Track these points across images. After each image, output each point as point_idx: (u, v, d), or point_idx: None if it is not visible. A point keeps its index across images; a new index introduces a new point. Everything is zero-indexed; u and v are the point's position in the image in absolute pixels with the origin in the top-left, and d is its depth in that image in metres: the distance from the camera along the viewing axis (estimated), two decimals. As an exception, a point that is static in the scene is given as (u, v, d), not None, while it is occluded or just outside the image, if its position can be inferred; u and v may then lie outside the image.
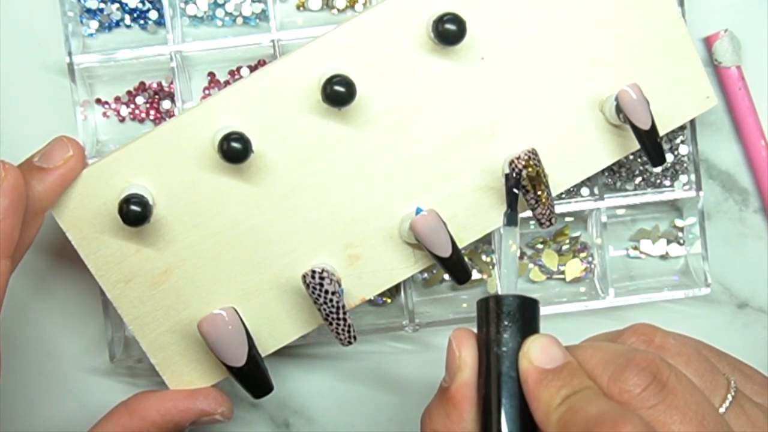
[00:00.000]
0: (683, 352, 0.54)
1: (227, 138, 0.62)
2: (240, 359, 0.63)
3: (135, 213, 0.61)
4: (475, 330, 0.57)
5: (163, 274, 0.65)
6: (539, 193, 0.64)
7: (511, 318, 0.55)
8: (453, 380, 0.56)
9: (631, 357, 0.51)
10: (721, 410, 0.52)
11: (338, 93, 0.62)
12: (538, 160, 0.64)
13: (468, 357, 0.56)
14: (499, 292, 0.57)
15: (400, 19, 0.65)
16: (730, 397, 0.52)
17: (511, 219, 0.60)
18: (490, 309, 0.56)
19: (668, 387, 0.50)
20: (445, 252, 0.64)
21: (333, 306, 0.63)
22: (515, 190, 0.63)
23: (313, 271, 0.62)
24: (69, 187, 0.64)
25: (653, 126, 0.65)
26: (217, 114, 0.64)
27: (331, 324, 0.63)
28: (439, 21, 0.63)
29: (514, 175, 0.64)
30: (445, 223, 0.64)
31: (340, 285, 0.64)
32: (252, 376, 0.64)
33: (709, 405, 0.51)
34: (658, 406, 0.50)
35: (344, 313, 0.63)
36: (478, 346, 0.56)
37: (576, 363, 0.53)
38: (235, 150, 0.62)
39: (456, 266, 0.65)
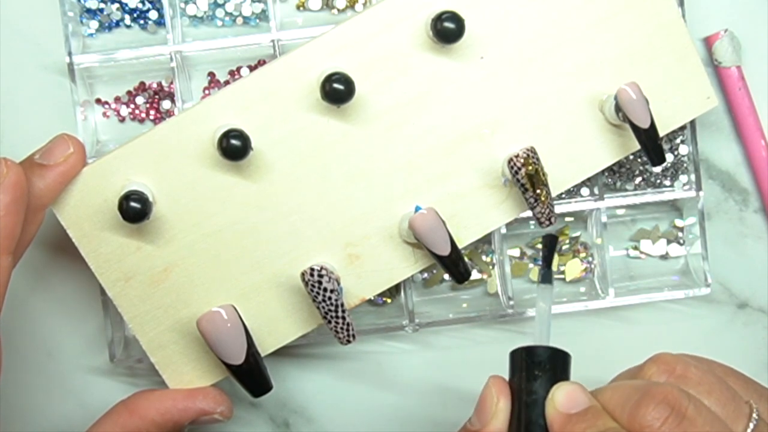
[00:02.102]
0: (705, 381, 0.54)
1: (227, 135, 0.62)
2: (239, 357, 0.62)
3: (135, 209, 0.61)
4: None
5: (163, 273, 0.66)
6: (538, 191, 0.64)
7: (541, 368, 0.58)
8: (486, 426, 0.57)
9: (647, 391, 0.52)
10: None
11: (337, 90, 0.62)
12: (537, 159, 0.64)
13: (504, 405, 0.58)
14: (534, 344, 0.60)
15: (399, 18, 0.65)
16: (751, 425, 0.52)
17: (545, 277, 0.63)
18: (523, 358, 0.58)
19: (688, 418, 0.50)
20: (444, 250, 0.64)
21: (332, 304, 0.63)
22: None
23: (312, 269, 0.62)
24: (70, 185, 0.64)
25: (652, 125, 0.65)
26: (217, 112, 0.65)
27: (329, 322, 0.63)
28: (438, 19, 0.63)
29: (515, 174, 0.64)
30: (444, 222, 0.64)
31: (339, 283, 0.64)
32: (251, 375, 0.64)
33: None
34: None
35: (343, 311, 0.63)
36: (512, 393, 0.58)
37: (599, 406, 0.54)
38: (234, 147, 0.62)
39: (455, 265, 0.65)
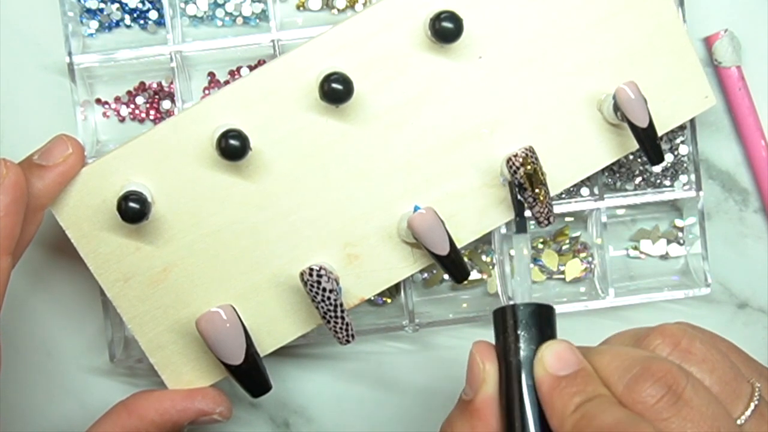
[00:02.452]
0: (708, 358, 0.53)
1: (225, 135, 0.62)
2: (238, 357, 0.62)
3: (134, 210, 0.61)
4: (491, 340, 0.57)
5: (162, 273, 0.66)
6: (537, 191, 0.64)
7: (526, 326, 0.55)
8: (477, 393, 0.56)
9: (647, 366, 0.51)
10: (743, 418, 0.52)
11: (336, 90, 0.62)
12: (536, 158, 0.64)
13: (491, 369, 0.56)
14: (515, 301, 0.57)
15: (398, 17, 0.65)
16: (752, 405, 0.52)
17: (520, 226, 0.62)
18: (505, 318, 0.56)
19: (683, 399, 0.50)
20: (443, 250, 0.64)
21: (330, 304, 0.63)
22: (520, 197, 0.63)
23: (311, 269, 0.62)
24: (68, 185, 0.64)
25: (651, 124, 0.65)
26: (216, 112, 0.65)
27: (329, 322, 0.63)
28: (436, 19, 0.63)
29: (513, 174, 0.64)
30: (443, 222, 0.64)
31: (338, 283, 0.64)
32: (250, 375, 0.64)
33: (725, 418, 0.50)
34: (672, 419, 0.49)
35: (342, 311, 0.63)
36: (497, 356, 0.56)
37: (590, 369, 0.53)
38: (233, 147, 0.62)
39: (454, 265, 0.65)
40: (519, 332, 0.55)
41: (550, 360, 0.54)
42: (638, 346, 0.55)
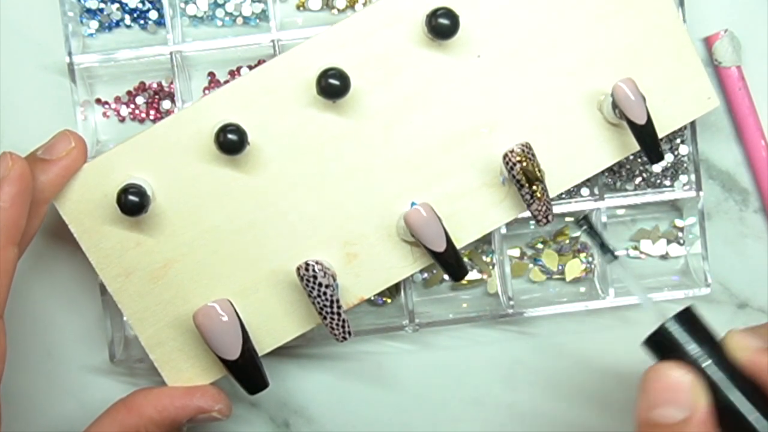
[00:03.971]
0: None
1: (223, 129, 0.62)
2: (234, 352, 0.62)
3: (133, 202, 0.62)
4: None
5: (163, 268, 0.66)
6: (534, 188, 0.64)
7: (692, 331, 0.57)
8: (697, 408, 0.55)
9: None
10: None
11: (332, 85, 0.62)
12: (533, 154, 0.64)
13: (696, 381, 0.56)
14: (658, 317, 0.59)
15: (397, 16, 0.66)
16: None
17: (606, 258, 0.62)
18: (669, 336, 0.58)
19: None
20: (440, 246, 0.64)
21: (327, 299, 0.63)
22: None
23: (307, 264, 0.62)
24: (71, 180, 0.65)
25: (649, 121, 0.64)
26: (216, 109, 0.65)
27: (325, 318, 0.63)
28: (433, 15, 0.64)
29: (510, 170, 0.64)
30: (439, 218, 0.64)
31: (334, 279, 0.64)
32: (247, 371, 0.64)
33: None
34: None
35: (338, 307, 0.63)
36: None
37: None
38: (230, 141, 0.62)
39: (451, 262, 0.65)
40: (692, 343, 0.57)
41: (747, 341, 0.56)
42: None
